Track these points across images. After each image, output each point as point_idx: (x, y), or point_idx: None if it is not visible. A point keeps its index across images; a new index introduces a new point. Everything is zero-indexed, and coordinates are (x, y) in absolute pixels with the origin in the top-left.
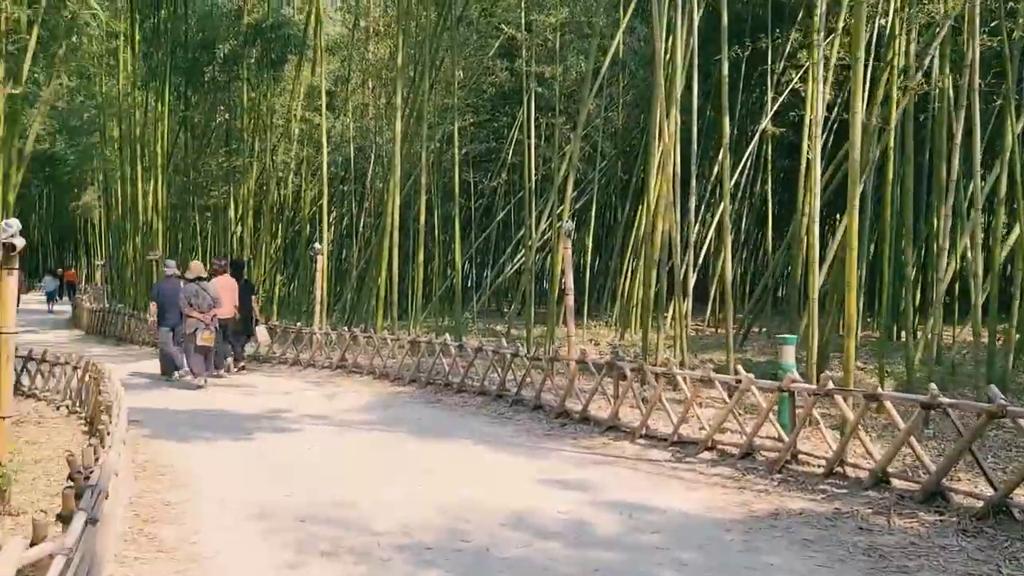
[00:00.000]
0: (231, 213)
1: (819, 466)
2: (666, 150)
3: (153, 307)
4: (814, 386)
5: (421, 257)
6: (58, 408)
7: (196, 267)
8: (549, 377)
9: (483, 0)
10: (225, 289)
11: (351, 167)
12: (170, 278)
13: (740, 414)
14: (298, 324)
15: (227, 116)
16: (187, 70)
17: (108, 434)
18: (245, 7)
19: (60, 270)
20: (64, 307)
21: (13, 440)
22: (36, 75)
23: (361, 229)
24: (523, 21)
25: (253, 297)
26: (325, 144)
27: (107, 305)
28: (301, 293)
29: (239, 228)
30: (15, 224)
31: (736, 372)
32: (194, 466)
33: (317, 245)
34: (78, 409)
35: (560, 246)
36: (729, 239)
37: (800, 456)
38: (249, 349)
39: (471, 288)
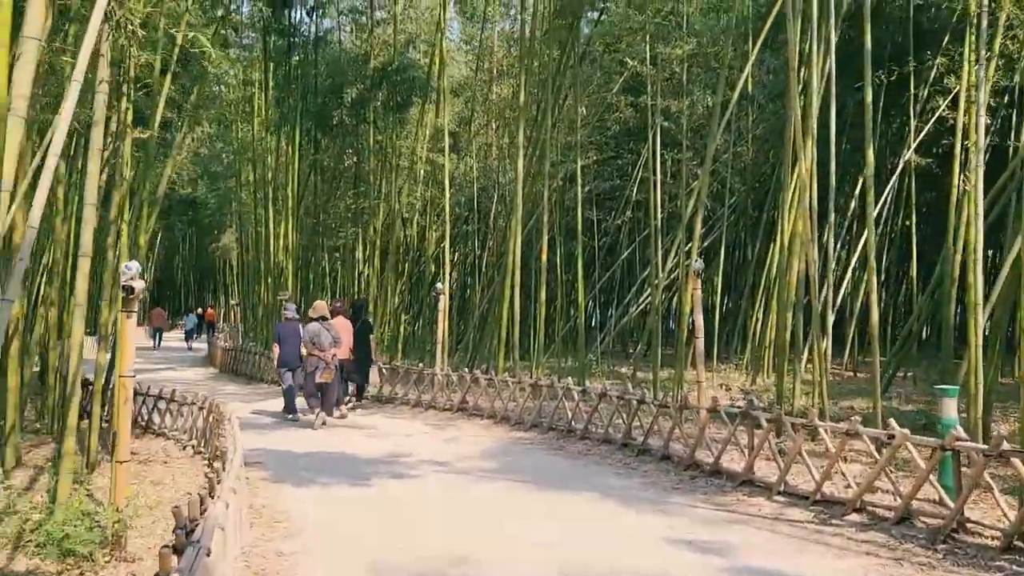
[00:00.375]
0: (358, 254)
1: (993, 538)
2: (802, 184)
3: (276, 348)
4: (985, 446)
5: (543, 296)
6: (184, 448)
7: (320, 307)
8: (678, 425)
9: (607, 36)
10: (341, 330)
11: (474, 207)
12: (291, 320)
13: (891, 471)
14: (420, 365)
15: (355, 159)
16: (316, 114)
17: (219, 482)
18: (372, 52)
19: (199, 309)
20: (203, 345)
21: (139, 480)
22: (179, 122)
23: (483, 268)
24: (648, 55)
25: (372, 337)
26: (448, 184)
27: (239, 344)
28: (426, 332)
29: (366, 268)
30: (135, 267)
31: (887, 425)
32: (310, 512)
33: (439, 285)
34: (203, 450)
35: (689, 285)
36: (875, 277)
37: (968, 525)
38: (372, 390)
39: (594, 328)
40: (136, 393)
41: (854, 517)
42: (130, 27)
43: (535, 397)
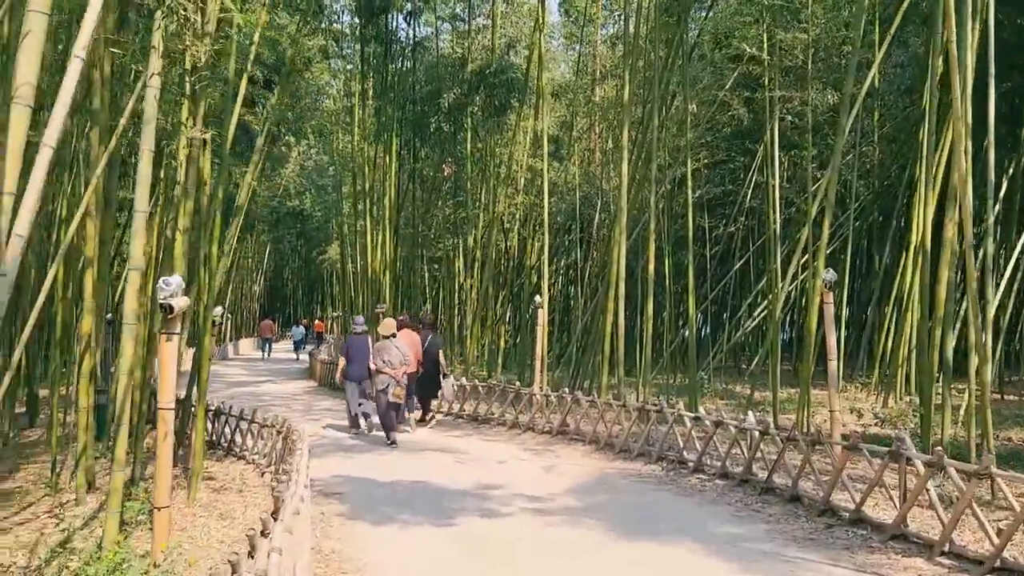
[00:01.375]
0: (458, 264)
1: None
2: (955, 184)
3: (343, 362)
4: None
5: (650, 309)
6: (263, 474)
7: (389, 324)
8: (808, 462)
9: (718, 28)
10: (409, 345)
11: (577, 215)
12: (360, 335)
13: None
14: (517, 384)
15: (453, 167)
16: (414, 122)
17: (263, 536)
18: (469, 56)
19: (305, 320)
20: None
21: (208, 512)
22: (267, 129)
23: (586, 279)
24: (765, 44)
25: (440, 351)
26: (547, 191)
27: (337, 357)
28: (526, 344)
29: (466, 279)
30: (175, 282)
31: None
32: (386, 558)
33: (538, 299)
34: (280, 477)
35: (815, 298)
36: None
37: None
38: (445, 406)
39: (705, 342)
40: (219, 413)
41: None
42: (183, 12)
43: (642, 421)
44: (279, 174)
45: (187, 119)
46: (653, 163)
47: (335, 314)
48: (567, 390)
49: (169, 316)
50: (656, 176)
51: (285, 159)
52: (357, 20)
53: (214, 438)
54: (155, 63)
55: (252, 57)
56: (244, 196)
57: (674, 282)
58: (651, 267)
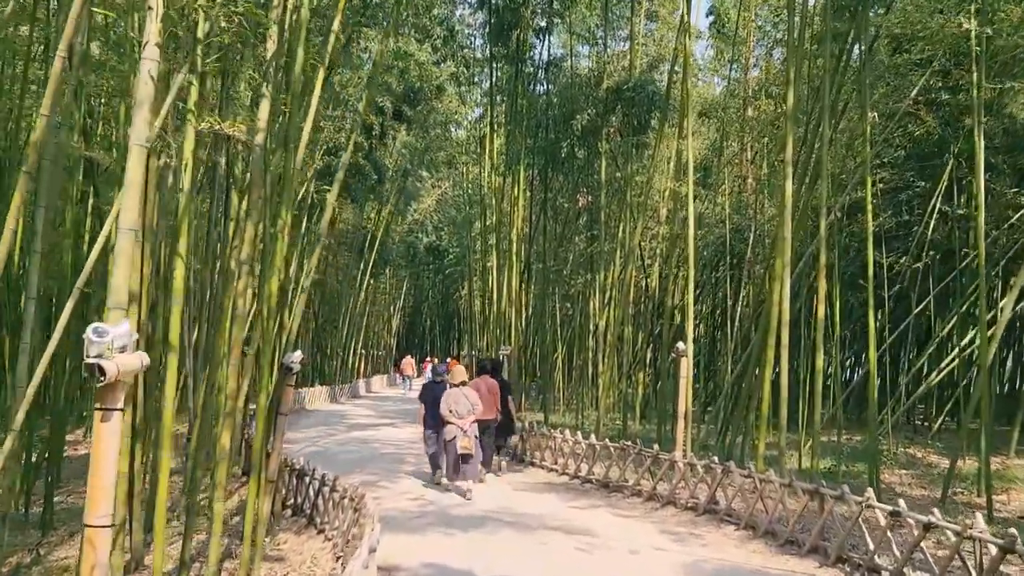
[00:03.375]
0: (593, 303)
1: None
2: None
3: (421, 409)
4: None
5: (819, 357)
6: (337, 557)
7: (459, 372)
8: None
9: (901, 22)
10: (486, 391)
11: (727, 249)
12: (439, 382)
13: None
14: (655, 447)
15: (588, 198)
16: (546, 150)
17: None
18: (605, 72)
19: (436, 359)
20: None
21: None
22: (416, 168)
23: (737, 321)
24: (973, 28)
25: (510, 397)
26: (692, 221)
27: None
28: (666, 393)
29: (601, 319)
30: (115, 333)
31: None
32: None
33: (680, 346)
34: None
35: None
36: None
37: None
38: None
39: (885, 394)
40: (302, 474)
41: None
42: None
43: (814, 499)
44: (414, 208)
45: (193, 109)
46: (823, 185)
47: (463, 354)
48: (716, 458)
49: (100, 383)
50: (825, 203)
51: (417, 193)
52: (487, 43)
53: (297, 501)
54: (152, 29)
55: (331, 50)
56: (326, 223)
57: (845, 326)
58: (821, 309)
